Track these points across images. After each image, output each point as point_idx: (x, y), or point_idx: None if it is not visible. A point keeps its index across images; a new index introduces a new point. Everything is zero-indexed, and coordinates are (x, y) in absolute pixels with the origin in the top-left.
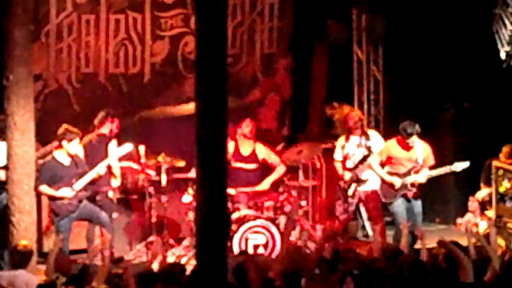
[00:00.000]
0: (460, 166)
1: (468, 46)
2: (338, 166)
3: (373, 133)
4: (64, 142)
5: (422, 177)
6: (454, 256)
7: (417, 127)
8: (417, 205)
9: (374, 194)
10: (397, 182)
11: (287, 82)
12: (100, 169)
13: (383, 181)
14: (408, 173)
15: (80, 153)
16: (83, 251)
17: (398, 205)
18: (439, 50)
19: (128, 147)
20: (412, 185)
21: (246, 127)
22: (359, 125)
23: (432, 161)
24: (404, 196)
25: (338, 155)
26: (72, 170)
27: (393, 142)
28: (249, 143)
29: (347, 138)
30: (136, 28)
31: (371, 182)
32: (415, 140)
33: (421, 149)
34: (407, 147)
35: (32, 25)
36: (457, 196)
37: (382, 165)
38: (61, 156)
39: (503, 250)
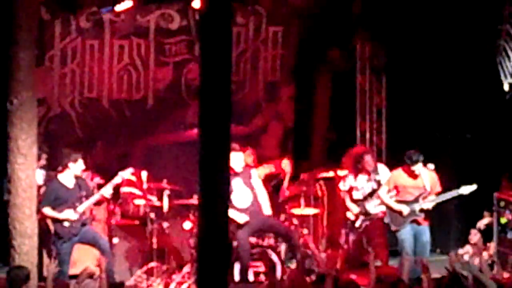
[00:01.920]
0: (467, 189)
1: (471, 77)
2: (345, 197)
3: (381, 167)
4: (70, 164)
5: (430, 202)
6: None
7: (421, 155)
8: (426, 233)
9: (379, 221)
10: (405, 209)
11: (290, 110)
12: (105, 191)
13: (392, 210)
14: (416, 200)
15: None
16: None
17: (406, 233)
18: (442, 80)
19: (129, 171)
20: (421, 210)
21: (249, 156)
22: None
23: (439, 188)
24: (414, 222)
25: (344, 185)
26: (76, 192)
27: (399, 171)
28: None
29: (356, 175)
30: (140, 54)
31: (376, 210)
32: (420, 168)
33: (427, 176)
34: (414, 175)
35: (37, 49)
36: (457, 227)
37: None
38: (65, 179)
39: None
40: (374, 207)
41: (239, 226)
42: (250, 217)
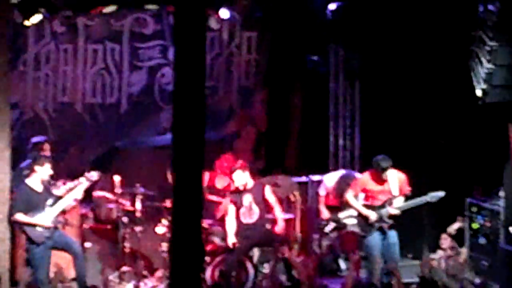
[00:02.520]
0: (435, 196)
1: (444, 82)
2: (320, 200)
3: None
4: (37, 167)
5: (396, 208)
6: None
7: (390, 161)
8: (393, 236)
9: (352, 235)
10: (372, 215)
11: (263, 114)
12: (76, 194)
13: (359, 215)
14: (382, 206)
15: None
16: None
17: (373, 238)
18: (415, 85)
19: (96, 174)
20: (390, 217)
21: (226, 162)
22: None
23: (407, 189)
24: (380, 229)
25: (322, 190)
26: (46, 195)
27: (366, 176)
28: (225, 179)
29: None
30: (114, 58)
31: (350, 222)
32: (388, 173)
33: (395, 179)
34: (381, 181)
35: (10, 53)
36: (429, 232)
37: (356, 198)
38: (34, 183)
39: None
40: (345, 216)
41: (240, 239)
42: (254, 232)
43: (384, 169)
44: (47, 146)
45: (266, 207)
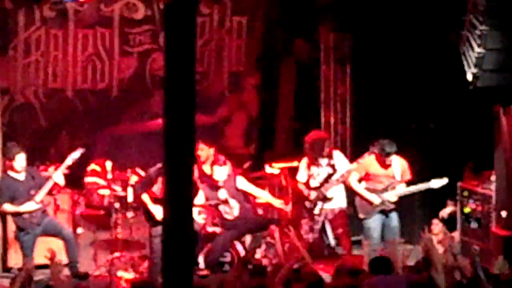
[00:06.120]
0: (438, 183)
1: (435, 67)
2: (302, 187)
3: (336, 152)
4: (10, 161)
5: (399, 193)
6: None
7: (395, 146)
8: (394, 218)
9: (342, 211)
10: (375, 199)
11: (254, 100)
12: (56, 177)
13: (361, 198)
14: (385, 189)
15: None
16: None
17: (374, 221)
18: (406, 70)
19: (79, 152)
20: (390, 201)
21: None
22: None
23: (408, 175)
24: (381, 211)
25: (301, 177)
26: (29, 183)
27: (371, 158)
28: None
29: (310, 163)
30: (104, 43)
31: (337, 199)
32: (392, 158)
33: (398, 165)
34: (385, 165)
35: (0, 39)
36: (422, 217)
37: (360, 181)
38: (14, 173)
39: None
40: (331, 191)
41: (228, 227)
42: (239, 224)
43: (389, 154)
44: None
45: (246, 197)
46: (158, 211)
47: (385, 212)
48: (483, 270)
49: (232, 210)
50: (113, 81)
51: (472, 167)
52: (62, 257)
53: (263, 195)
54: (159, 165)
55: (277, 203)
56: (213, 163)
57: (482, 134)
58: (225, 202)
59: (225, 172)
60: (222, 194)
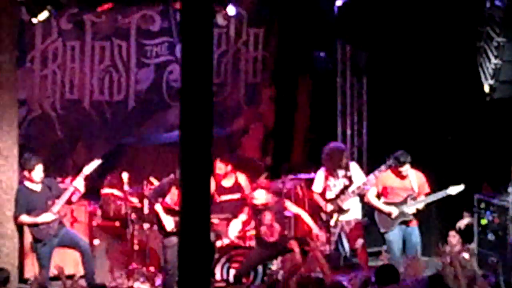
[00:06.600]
0: (455, 189)
1: (452, 78)
2: (318, 197)
3: (352, 164)
4: (28, 173)
5: (419, 203)
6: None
7: (409, 156)
8: (415, 234)
9: (358, 223)
10: (394, 211)
11: (270, 111)
12: (77, 183)
13: (380, 212)
14: (404, 201)
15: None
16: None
17: (394, 234)
18: (423, 81)
19: (96, 162)
20: (409, 213)
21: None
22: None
23: (427, 189)
24: (402, 223)
25: (317, 187)
26: (46, 193)
27: (387, 172)
28: (230, 175)
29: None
30: (121, 55)
31: (353, 211)
32: (408, 169)
33: (414, 177)
34: (401, 176)
35: (17, 50)
36: (438, 229)
37: (378, 196)
38: (31, 184)
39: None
40: (347, 203)
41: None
42: (276, 248)
43: (403, 163)
44: None
45: (287, 222)
46: (169, 222)
47: (406, 225)
48: (504, 282)
49: (274, 234)
50: (130, 93)
51: (489, 184)
52: (79, 269)
53: (306, 218)
54: (172, 175)
55: (316, 229)
56: (257, 187)
57: (499, 145)
58: (270, 225)
59: (269, 197)
60: (268, 217)
